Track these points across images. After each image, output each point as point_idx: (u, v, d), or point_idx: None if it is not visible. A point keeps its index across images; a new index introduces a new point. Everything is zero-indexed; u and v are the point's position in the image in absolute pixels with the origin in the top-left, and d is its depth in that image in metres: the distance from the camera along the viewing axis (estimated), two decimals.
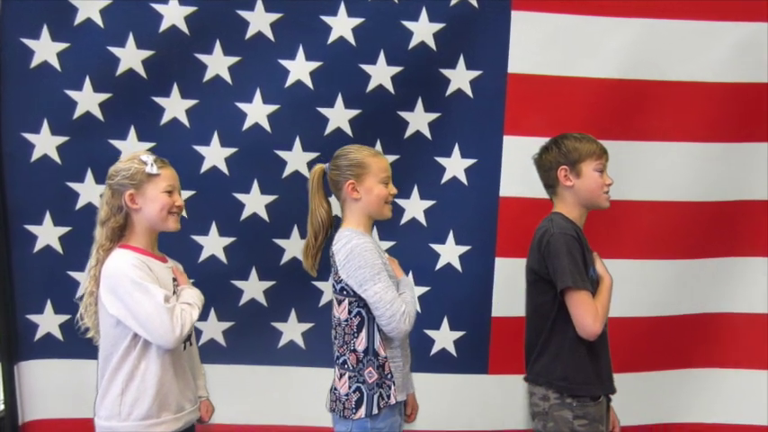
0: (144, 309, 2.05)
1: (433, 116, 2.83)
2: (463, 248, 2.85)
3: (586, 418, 2.18)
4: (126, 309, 2.07)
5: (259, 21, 2.76)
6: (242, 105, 2.79)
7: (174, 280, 2.24)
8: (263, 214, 2.82)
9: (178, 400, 2.20)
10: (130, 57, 2.73)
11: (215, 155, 2.80)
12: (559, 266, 2.16)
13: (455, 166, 2.84)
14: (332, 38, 2.78)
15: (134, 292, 2.06)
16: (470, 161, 2.85)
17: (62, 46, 2.74)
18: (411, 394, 2.40)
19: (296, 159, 2.80)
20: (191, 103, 2.79)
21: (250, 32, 2.77)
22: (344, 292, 2.18)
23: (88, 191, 2.78)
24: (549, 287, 2.21)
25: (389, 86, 2.79)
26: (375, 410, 2.15)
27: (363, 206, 2.23)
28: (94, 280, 2.17)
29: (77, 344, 2.64)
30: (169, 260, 2.30)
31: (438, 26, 2.77)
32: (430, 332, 2.85)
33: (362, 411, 2.15)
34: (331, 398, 2.27)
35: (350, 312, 2.18)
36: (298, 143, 2.80)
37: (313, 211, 2.28)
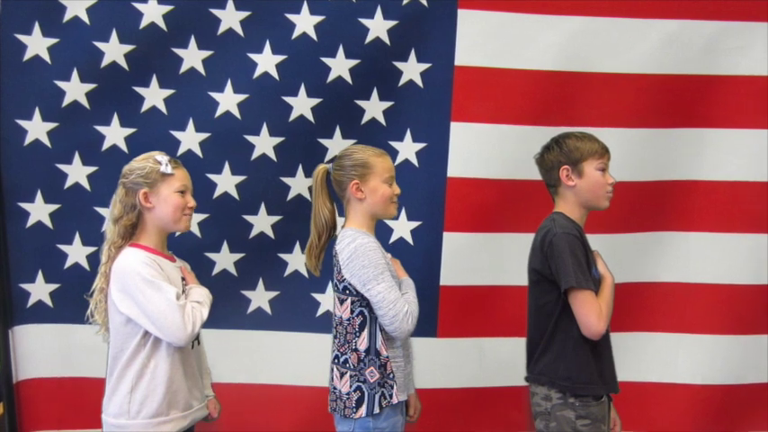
0: (156, 306, 2.01)
1: (387, 104, 2.96)
2: (414, 224, 2.98)
3: (589, 418, 2.15)
4: (137, 306, 2.03)
5: (230, 18, 2.88)
6: (214, 94, 2.90)
7: (183, 279, 2.21)
8: (234, 193, 2.93)
9: (186, 398, 2.16)
10: (114, 51, 2.85)
11: (190, 139, 2.91)
12: (563, 266, 2.12)
13: (407, 149, 2.97)
14: (296, 33, 2.89)
15: (146, 290, 2.02)
16: (421, 145, 2.98)
17: (52, 41, 2.85)
18: (412, 394, 2.36)
19: (263, 143, 2.92)
20: (168, 92, 2.90)
21: (222, 29, 2.89)
22: (347, 292, 2.15)
23: (75, 172, 2.90)
24: (553, 287, 2.18)
25: (348, 77, 2.92)
26: (376, 410, 2.12)
27: (368, 206, 2.19)
28: (105, 277, 2.13)
29: (66, 310, 2.89)
30: (177, 260, 2.27)
31: (391, 23, 2.90)
32: None
33: (363, 410, 2.13)
34: (331, 397, 2.24)
35: (352, 312, 2.15)
36: (265, 128, 2.92)
37: (316, 212, 2.24)
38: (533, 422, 2.27)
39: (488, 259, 3.00)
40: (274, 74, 2.91)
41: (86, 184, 2.93)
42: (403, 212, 2.98)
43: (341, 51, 2.91)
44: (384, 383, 2.14)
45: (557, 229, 2.18)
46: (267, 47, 2.91)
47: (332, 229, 2.26)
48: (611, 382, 2.25)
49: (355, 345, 2.16)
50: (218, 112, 2.92)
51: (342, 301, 2.18)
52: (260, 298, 3.01)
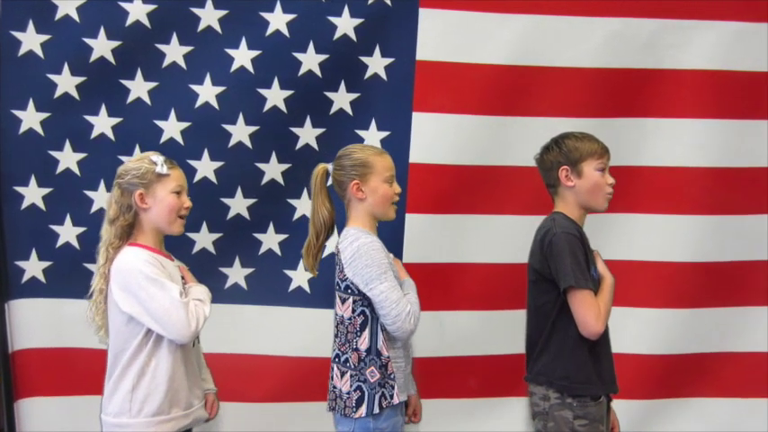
0: (160, 304, 1.98)
1: (354, 96, 3.07)
2: None
3: (587, 418, 2.15)
4: (140, 305, 2.00)
5: (209, 16, 3.00)
6: (195, 87, 3.01)
7: (182, 278, 2.20)
8: (212, 177, 3.04)
9: (188, 396, 2.15)
10: (102, 46, 2.96)
11: (172, 128, 3.02)
12: (562, 266, 2.11)
13: (372, 137, 3.08)
14: (269, 30, 3.01)
15: (149, 288, 1.99)
16: (385, 133, 3.10)
17: (45, 37, 2.96)
18: (413, 395, 2.37)
19: (239, 131, 3.03)
20: (152, 84, 3.01)
21: (201, 26, 3.00)
22: (349, 291, 2.14)
23: (66, 158, 3.01)
24: (552, 287, 2.18)
25: (317, 71, 3.03)
26: (376, 410, 2.11)
27: (368, 206, 2.19)
28: (104, 278, 2.11)
29: (57, 286, 3.01)
30: (174, 259, 2.27)
31: (358, 21, 3.02)
32: None
33: (363, 410, 2.12)
34: (330, 396, 2.23)
35: (353, 311, 2.15)
36: (241, 118, 3.02)
37: (315, 211, 2.23)
38: (532, 421, 2.31)
39: (447, 238, 3.14)
40: (250, 68, 3.02)
41: (76, 170, 3.05)
42: None
43: (311, 47, 3.03)
44: (384, 384, 2.15)
45: (556, 228, 2.18)
46: (243, 43, 3.01)
47: (330, 228, 2.26)
48: (609, 382, 2.25)
49: (356, 344, 2.16)
50: (198, 102, 3.03)
51: (343, 300, 2.18)
52: (236, 274, 3.13)
